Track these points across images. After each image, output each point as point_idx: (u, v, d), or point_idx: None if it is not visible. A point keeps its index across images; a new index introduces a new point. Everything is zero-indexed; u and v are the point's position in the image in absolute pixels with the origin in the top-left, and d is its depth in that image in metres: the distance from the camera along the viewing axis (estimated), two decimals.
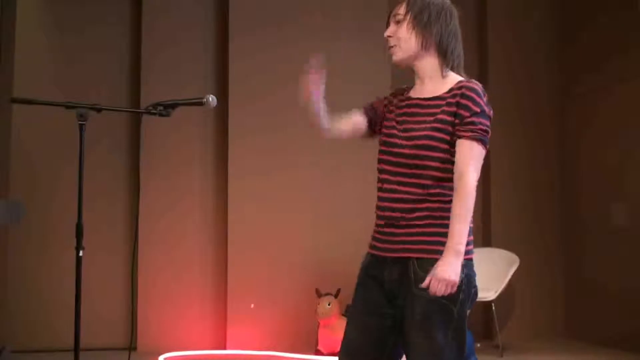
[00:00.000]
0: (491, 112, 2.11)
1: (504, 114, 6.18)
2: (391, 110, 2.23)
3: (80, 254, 2.63)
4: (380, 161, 2.18)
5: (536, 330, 6.04)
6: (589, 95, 5.97)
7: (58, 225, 5.31)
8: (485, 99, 2.09)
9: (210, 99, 2.75)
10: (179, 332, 5.44)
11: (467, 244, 2.03)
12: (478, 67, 6.27)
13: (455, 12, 2.23)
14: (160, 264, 5.48)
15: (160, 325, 5.42)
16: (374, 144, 2.29)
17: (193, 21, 5.80)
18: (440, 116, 2.08)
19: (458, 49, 2.19)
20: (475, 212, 6.82)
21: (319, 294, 5.19)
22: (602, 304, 5.65)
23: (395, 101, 2.24)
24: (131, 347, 5.40)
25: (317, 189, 5.57)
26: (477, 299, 5.65)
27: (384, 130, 2.21)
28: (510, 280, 5.42)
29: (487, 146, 2.08)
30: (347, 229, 5.37)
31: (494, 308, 5.38)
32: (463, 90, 2.08)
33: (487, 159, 7.33)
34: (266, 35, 5.66)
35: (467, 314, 2.07)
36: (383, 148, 2.18)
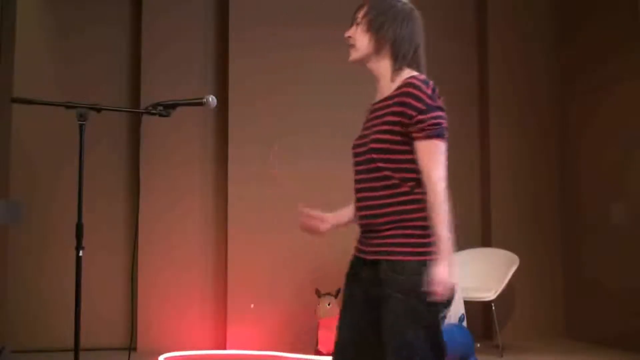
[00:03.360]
0: (439, 101, 2.08)
1: (504, 114, 6.20)
2: (363, 124, 2.28)
3: (80, 254, 2.63)
4: (353, 172, 2.23)
5: (536, 330, 6.04)
6: (589, 95, 5.97)
7: (58, 225, 5.31)
8: (429, 91, 2.06)
9: (210, 99, 2.75)
10: (179, 332, 5.44)
11: (435, 243, 2.04)
12: (478, 67, 6.27)
13: (416, 17, 2.23)
14: (160, 264, 5.48)
15: (160, 325, 5.42)
16: None
17: (193, 21, 5.80)
18: (386, 117, 2.10)
19: (410, 53, 2.19)
20: (475, 212, 6.81)
21: (319, 294, 5.19)
22: (602, 304, 5.65)
23: (366, 114, 2.30)
24: (131, 347, 5.40)
25: (318, 188, 5.57)
26: (477, 299, 5.62)
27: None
28: (510, 280, 5.41)
29: (444, 136, 2.06)
30: (347, 229, 5.37)
31: (494, 308, 5.38)
32: (404, 88, 2.08)
33: (487, 158, 7.29)
34: (266, 35, 5.66)
35: (444, 315, 2.07)
36: (352, 160, 2.24)
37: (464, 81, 6.25)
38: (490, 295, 5.27)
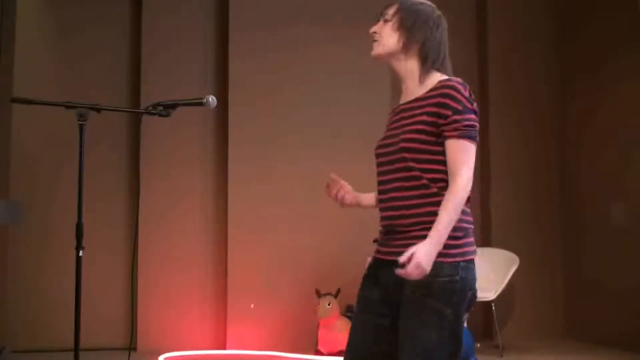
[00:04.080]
0: (475, 105, 2.11)
1: (503, 114, 6.20)
2: (388, 125, 2.27)
3: (80, 254, 2.63)
4: (377, 173, 2.23)
5: (536, 330, 6.04)
6: (589, 95, 5.97)
7: (58, 225, 5.31)
8: (466, 93, 2.08)
9: (210, 99, 2.75)
10: (179, 332, 5.44)
11: (466, 245, 2.06)
12: (478, 67, 6.27)
13: (444, 24, 2.25)
14: (160, 264, 5.48)
15: (160, 325, 5.42)
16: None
17: (193, 21, 5.80)
18: (419, 117, 2.10)
19: (440, 57, 2.20)
20: (475, 212, 6.79)
21: (319, 294, 5.19)
22: (602, 304, 5.65)
23: (390, 116, 2.30)
24: (131, 347, 5.41)
25: (318, 188, 5.57)
26: (477, 299, 5.63)
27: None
28: (510, 280, 5.42)
29: (476, 139, 2.08)
30: (347, 229, 5.38)
31: (494, 308, 5.38)
32: (442, 89, 2.09)
33: (487, 158, 7.28)
34: (266, 35, 5.66)
35: (464, 317, 2.08)
36: (376, 160, 2.23)
37: (464, 81, 6.25)
38: (490, 295, 5.27)
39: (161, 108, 2.72)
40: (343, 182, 2.38)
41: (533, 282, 6.05)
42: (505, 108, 6.20)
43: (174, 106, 2.74)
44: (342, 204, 2.40)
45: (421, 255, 1.91)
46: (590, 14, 6.00)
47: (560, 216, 6.22)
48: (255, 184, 5.53)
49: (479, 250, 5.86)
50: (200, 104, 2.74)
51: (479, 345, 5.39)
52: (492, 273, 5.47)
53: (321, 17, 5.75)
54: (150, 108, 2.72)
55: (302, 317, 5.38)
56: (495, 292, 5.29)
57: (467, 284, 2.05)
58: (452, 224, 1.98)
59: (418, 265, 1.90)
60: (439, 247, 1.95)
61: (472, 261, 2.08)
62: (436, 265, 1.96)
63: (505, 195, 6.12)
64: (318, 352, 5.16)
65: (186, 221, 5.61)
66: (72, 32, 5.69)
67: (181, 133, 5.58)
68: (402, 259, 1.92)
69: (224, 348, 5.41)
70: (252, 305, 5.42)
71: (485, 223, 6.15)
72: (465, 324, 4.78)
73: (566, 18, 6.30)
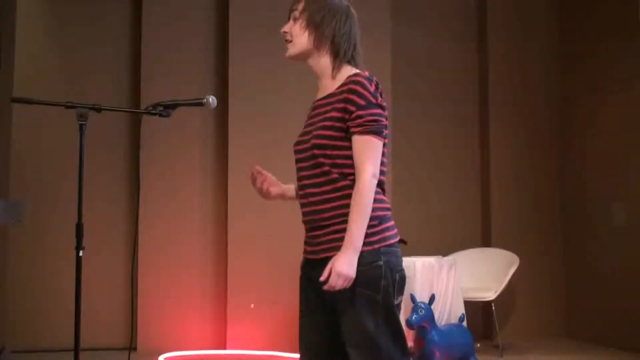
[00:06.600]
0: (381, 99, 2.10)
1: (504, 114, 6.20)
2: (305, 122, 2.28)
3: (80, 254, 2.63)
4: (296, 169, 2.23)
5: (536, 330, 6.04)
6: (589, 96, 5.97)
7: (58, 225, 5.31)
8: (372, 88, 2.08)
9: (210, 99, 2.74)
10: (179, 332, 5.44)
11: (385, 230, 2.07)
12: (478, 68, 6.27)
13: (353, 15, 2.24)
14: (160, 264, 5.48)
15: (160, 325, 5.42)
16: None
17: (194, 21, 5.80)
18: (329, 114, 2.12)
19: (350, 50, 2.19)
20: (475, 212, 6.78)
21: None
22: (602, 304, 5.65)
23: (309, 112, 2.30)
24: (131, 347, 5.40)
25: None
26: (477, 299, 5.60)
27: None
28: (510, 280, 5.42)
29: (382, 134, 2.09)
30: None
31: (494, 308, 5.38)
32: (349, 85, 2.09)
33: (487, 158, 7.26)
34: (266, 35, 5.66)
35: (399, 299, 2.09)
36: (294, 157, 2.23)
37: (464, 81, 6.25)
38: (490, 295, 5.27)
39: (161, 108, 2.72)
40: (267, 174, 2.35)
41: (533, 282, 6.04)
42: (506, 108, 6.20)
43: (174, 106, 2.74)
44: (267, 197, 2.37)
45: (340, 265, 1.97)
46: (592, 14, 6.00)
47: (561, 216, 6.22)
48: None
49: (479, 251, 5.90)
50: (201, 104, 2.74)
51: (479, 345, 5.38)
52: (492, 273, 5.47)
53: None
54: (150, 108, 2.72)
55: None
56: (495, 292, 5.29)
57: (393, 267, 2.06)
58: (365, 223, 2.01)
59: (339, 275, 1.96)
60: (357, 252, 1.99)
61: (394, 245, 2.09)
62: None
63: (505, 195, 6.12)
64: None
65: (186, 221, 5.60)
66: (72, 32, 5.69)
67: (181, 133, 5.58)
68: (322, 277, 1.99)
69: (224, 348, 5.41)
70: (252, 305, 5.42)
71: (485, 223, 6.15)
72: (465, 324, 4.79)
73: (568, 17, 6.30)
